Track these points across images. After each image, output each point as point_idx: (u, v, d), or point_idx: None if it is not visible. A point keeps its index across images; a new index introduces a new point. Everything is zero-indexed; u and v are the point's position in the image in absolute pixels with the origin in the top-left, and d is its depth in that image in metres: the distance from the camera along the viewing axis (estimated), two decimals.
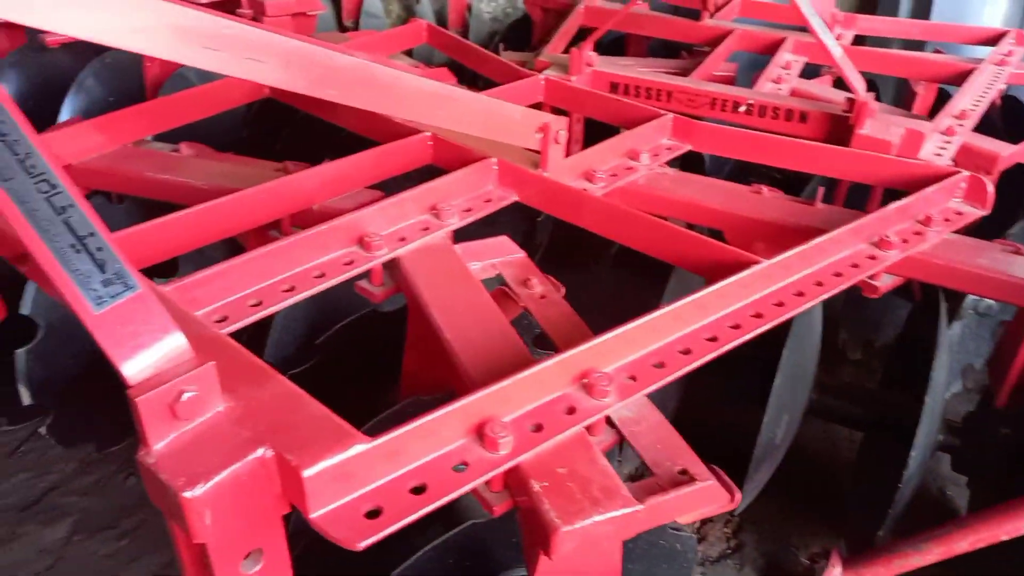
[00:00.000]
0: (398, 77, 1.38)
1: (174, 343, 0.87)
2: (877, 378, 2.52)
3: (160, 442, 0.85)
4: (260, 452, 0.86)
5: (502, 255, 1.52)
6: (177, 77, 2.49)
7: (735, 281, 1.25)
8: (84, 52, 2.68)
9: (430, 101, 1.46)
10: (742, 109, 2.14)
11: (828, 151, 1.78)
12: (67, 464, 2.00)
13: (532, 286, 1.44)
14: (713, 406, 1.91)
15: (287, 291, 1.28)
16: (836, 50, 1.92)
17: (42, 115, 2.32)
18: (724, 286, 1.24)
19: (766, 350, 1.61)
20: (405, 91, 1.41)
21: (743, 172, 2.62)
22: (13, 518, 1.85)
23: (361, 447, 0.88)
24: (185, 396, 0.85)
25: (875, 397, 1.88)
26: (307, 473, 0.85)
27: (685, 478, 1.03)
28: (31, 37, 2.50)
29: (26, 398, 1.69)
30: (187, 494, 0.81)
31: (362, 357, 1.64)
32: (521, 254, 1.55)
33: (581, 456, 1.00)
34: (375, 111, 1.48)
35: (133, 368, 0.84)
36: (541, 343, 1.47)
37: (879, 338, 2.66)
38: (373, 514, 0.88)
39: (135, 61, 2.49)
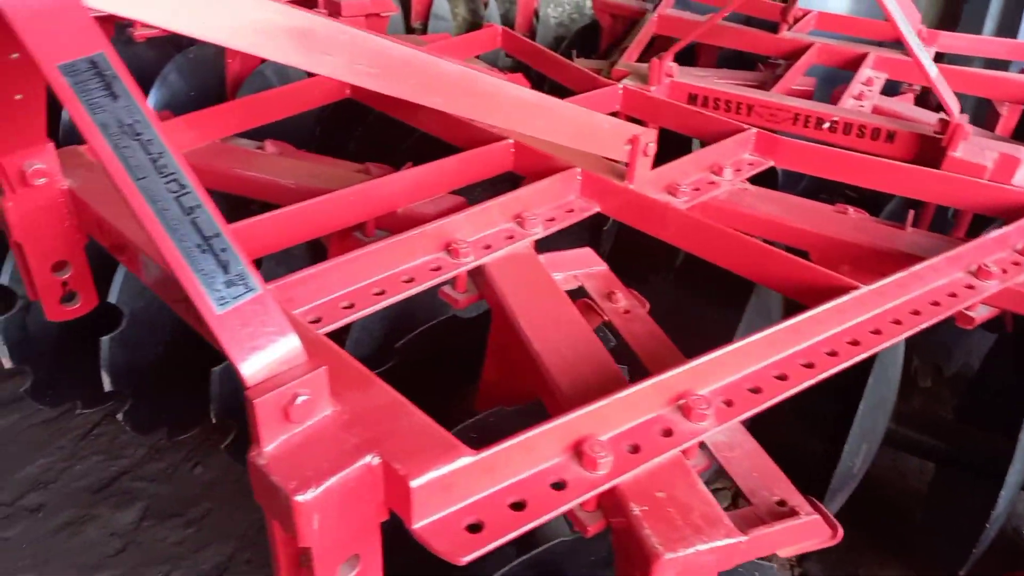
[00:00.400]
0: (499, 86, 1.38)
1: (289, 345, 0.87)
2: (948, 407, 2.45)
3: (271, 444, 0.86)
4: (368, 459, 0.86)
5: (585, 267, 1.51)
6: (256, 74, 2.53)
7: (834, 307, 1.22)
8: (167, 47, 2.75)
9: (528, 111, 1.46)
10: (826, 126, 2.10)
11: (920, 173, 1.73)
12: (137, 449, 2.04)
13: (616, 300, 1.43)
14: (784, 431, 1.87)
15: (378, 295, 1.29)
16: (932, 69, 1.87)
17: None
18: (822, 311, 1.21)
19: (841, 376, 1.57)
20: (505, 100, 1.41)
21: (814, 190, 2.56)
22: (86, 500, 1.89)
23: (467, 459, 0.87)
24: (299, 399, 0.85)
25: (957, 430, 1.82)
26: (415, 483, 0.84)
27: (785, 510, 1.00)
28: (118, 31, 2.56)
29: (107, 384, 1.73)
30: (299, 498, 0.81)
31: (440, 362, 1.65)
32: (604, 266, 1.53)
33: (680, 481, 0.98)
34: (475, 119, 1.48)
35: (251, 369, 0.84)
36: (618, 358, 1.45)
37: (949, 366, 2.58)
38: (474, 528, 0.88)
39: (216, 57, 2.54)
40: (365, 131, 2.56)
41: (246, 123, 1.87)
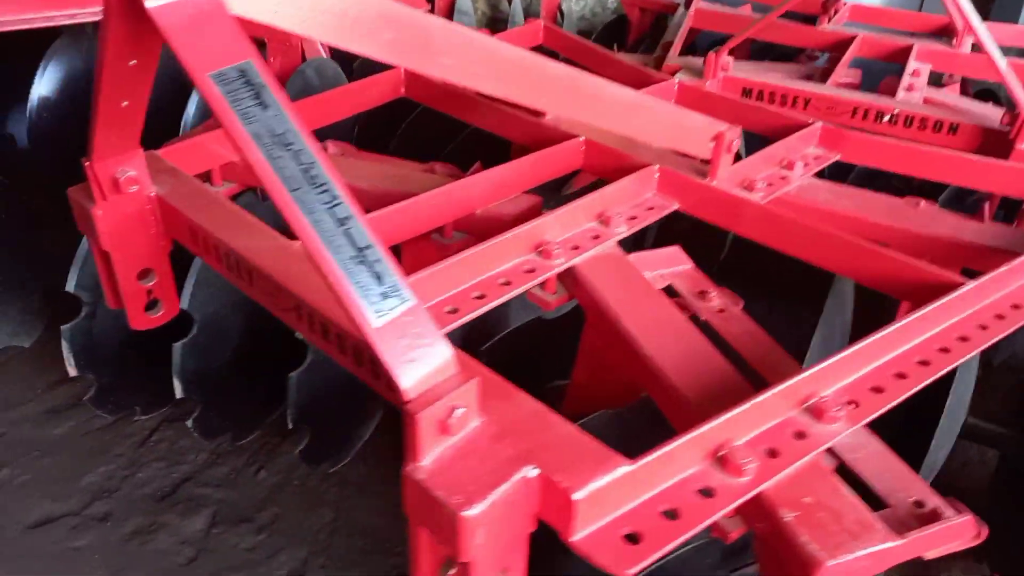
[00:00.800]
0: (600, 87, 1.36)
1: (443, 356, 0.85)
2: (997, 397, 2.46)
3: (428, 457, 0.84)
4: (525, 472, 0.85)
5: (673, 265, 1.50)
6: (297, 74, 2.50)
7: (943, 304, 1.21)
8: None
9: (626, 109, 1.44)
10: (886, 119, 2.08)
11: (993, 166, 1.72)
12: (198, 455, 2.02)
13: (710, 299, 1.41)
14: None
15: (479, 298, 1.27)
16: (1001, 62, 1.85)
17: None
18: (932, 309, 1.20)
19: None
20: (605, 99, 1.39)
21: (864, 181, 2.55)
22: (152, 507, 1.87)
23: (625, 469, 0.86)
24: (457, 412, 0.84)
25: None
26: (577, 496, 0.83)
27: (926, 511, 0.99)
28: None
29: (178, 391, 1.71)
30: (465, 513, 0.80)
31: (524, 365, 1.63)
32: (690, 264, 1.52)
33: (822, 485, 0.97)
34: (577, 118, 1.47)
35: (409, 381, 0.82)
36: None
37: (996, 357, 2.58)
38: (631, 538, 0.87)
39: None
40: (407, 130, 2.54)
41: (312, 124, 1.84)
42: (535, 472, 0.85)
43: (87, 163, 1.21)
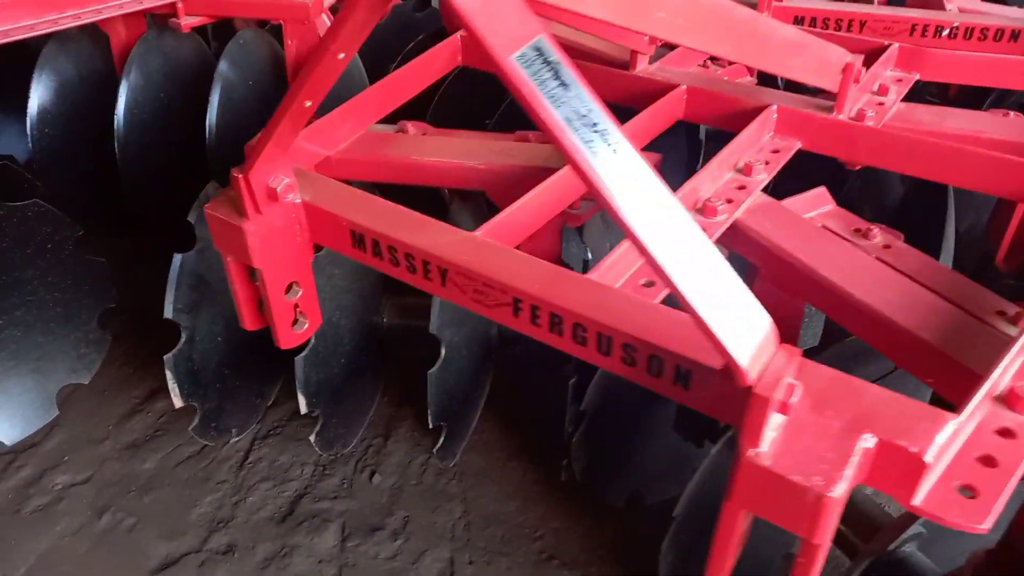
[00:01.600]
0: (759, 20, 1.30)
1: (764, 330, 0.80)
2: None
3: (766, 441, 0.79)
4: (864, 441, 0.81)
5: (820, 206, 1.46)
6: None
7: None
8: (209, 36, 2.53)
9: (780, 43, 1.37)
10: (946, 33, 2.07)
11: None
12: (303, 468, 1.92)
13: (872, 236, 1.38)
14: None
15: None
16: None
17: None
18: None
19: None
20: (762, 34, 1.32)
21: None
22: (276, 531, 1.78)
23: (954, 422, 0.83)
24: (797, 392, 0.79)
25: None
26: (928, 457, 0.80)
27: None
28: (162, 23, 2.33)
29: (303, 406, 1.61)
30: (831, 494, 0.76)
31: None
32: (833, 204, 1.48)
33: None
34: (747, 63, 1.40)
35: (747, 361, 0.77)
36: None
37: None
38: (963, 491, 0.84)
39: (264, 43, 2.37)
40: (440, 101, 2.42)
41: (386, 108, 1.72)
42: (873, 441, 0.81)
43: (240, 176, 1.10)
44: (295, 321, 1.32)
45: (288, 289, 1.28)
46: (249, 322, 1.32)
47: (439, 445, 1.74)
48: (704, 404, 0.91)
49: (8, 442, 1.94)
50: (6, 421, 1.95)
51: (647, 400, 1.60)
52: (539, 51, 0.72)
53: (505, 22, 0.70)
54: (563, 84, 0.72)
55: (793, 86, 1.70)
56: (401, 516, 1.82)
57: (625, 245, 1.16)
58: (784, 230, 1.32)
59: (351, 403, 1.84)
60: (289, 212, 1.20)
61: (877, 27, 2.15)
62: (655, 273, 0.74)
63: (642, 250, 0.73)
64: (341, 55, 0.86)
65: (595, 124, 0.73)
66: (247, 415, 1.93)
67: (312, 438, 1.69)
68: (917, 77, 1.86)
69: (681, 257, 0.73)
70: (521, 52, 0.70)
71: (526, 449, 1.96)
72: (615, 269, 1.13)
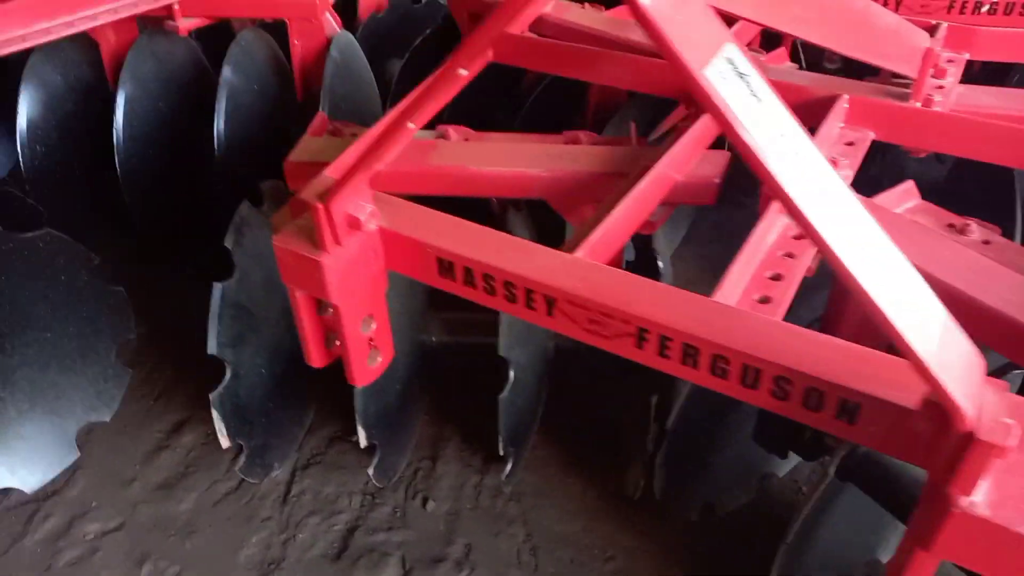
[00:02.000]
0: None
1: (976, 367, 0.72)
2: None
3: (981, 489, 0.72)
4: None
5: (908, 201, 1.39)
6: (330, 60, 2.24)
7: None
8: (209, 39, 2.40)
9: (889, 34, 1.30)
10: (985, 9, 2.01)
11: None
12: (351, 499, 1.81)
13: (969, 231, 1.32)
14: None
15: (775, 279, 1.13)
16: None
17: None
18: None
19: None
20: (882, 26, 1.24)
21: None
22: (332, 569, 1.67)
23: None
24: (1014, 434, 0.71)
25: None
26: None
27: None
28: (154, 26, 2.19)
29: (363, 440, 1.50)
30: None
31: None
32: (919, 199, 1.41)
33: None
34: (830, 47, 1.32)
35: (967, 403, 0.69)
36: None
37: None
38: None
39: (263, 44, 2.26)
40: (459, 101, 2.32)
41: (428, 115, 1.60)
42: None
43: (321, 206, 0.98)
44: (369, 356, 1.22)
45: (364, 323, 1.17)
46: (317, 358, 1.21)
47: (507, 472, 1.65)
48: (875, 440, 0.83)
49: (28, 490, 1.80)
50: (24, 467, 1.82)
51: (726, 412, 1.52)
52: (731, 62, 0.62)
53: (694, 32, 0.61)
54: (756, 97, 0.63)
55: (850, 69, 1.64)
56: (462, 544, 1.72)
57: (741, 260, 1.08)
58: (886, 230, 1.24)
59: (402, 428, 1.73)
60: (365, 240, 1.09)
61: (914, 4, 2.08)
62: (871, 313, 0.65)
63: (859, 292, 0.64)
64: (463, 71, 0.76)
65: (794, 145, 0.64)
66: (288, 446, 1.81)
67: (370, 471, 1.59)
68: (967, 56, 1.79)
69: (901, 298, 0.65)
70: (714, 64, 0.61)
71: (581, 464, 1.88)
72: (736, 286, 1.04)
